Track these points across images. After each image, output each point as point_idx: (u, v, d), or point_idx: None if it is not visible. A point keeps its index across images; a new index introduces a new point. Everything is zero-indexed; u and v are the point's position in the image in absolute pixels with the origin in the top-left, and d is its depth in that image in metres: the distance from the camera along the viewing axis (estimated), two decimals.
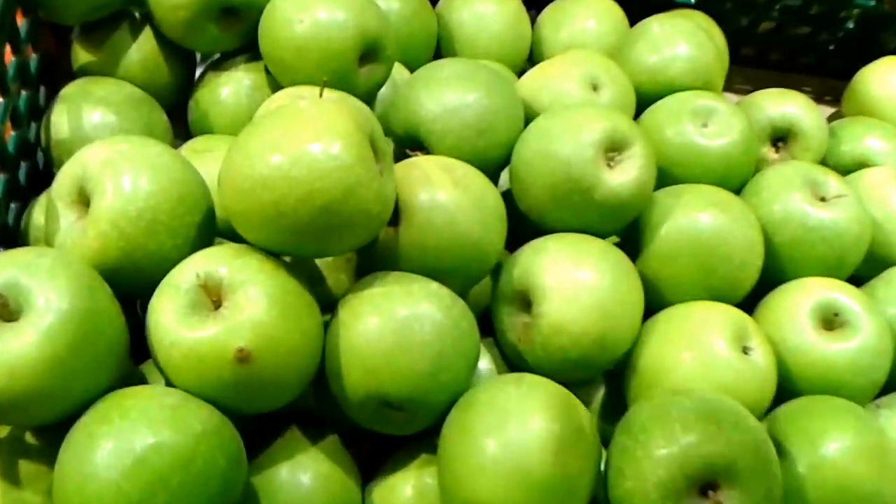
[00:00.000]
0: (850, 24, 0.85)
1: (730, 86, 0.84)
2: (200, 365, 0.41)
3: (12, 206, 0.53)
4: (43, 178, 0.57)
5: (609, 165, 0.52)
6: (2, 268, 0.41)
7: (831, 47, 0.87)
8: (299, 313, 0.44)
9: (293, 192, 0.42)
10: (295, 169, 0.42)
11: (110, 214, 0.44)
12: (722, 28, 0.76)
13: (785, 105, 0.69)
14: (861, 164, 0.69)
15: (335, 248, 0.46)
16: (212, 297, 0.43)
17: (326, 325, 0.47)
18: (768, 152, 0.69)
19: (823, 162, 0.70)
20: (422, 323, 0.45)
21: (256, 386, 0.43)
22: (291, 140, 0.42)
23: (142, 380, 0.48)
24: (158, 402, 0.40)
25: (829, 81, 0.89)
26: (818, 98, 0.90)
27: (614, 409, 0.54)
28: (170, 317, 0.42)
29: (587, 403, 0.53)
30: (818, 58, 0.89)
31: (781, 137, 0.69)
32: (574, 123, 0.52)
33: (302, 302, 0.44)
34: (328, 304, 0.49)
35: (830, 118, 0.83)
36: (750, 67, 0.88)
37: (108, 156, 0.45)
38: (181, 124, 0.63)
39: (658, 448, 0.40)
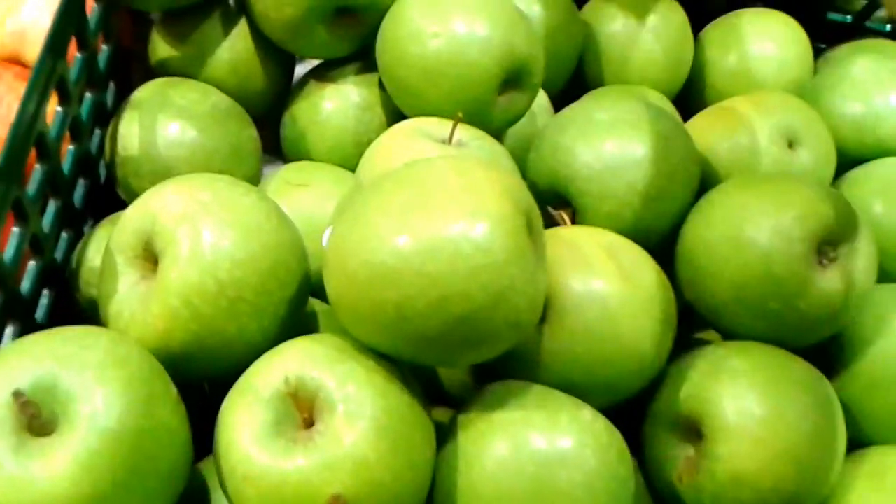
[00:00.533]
0: None
1: None
2: None
3: (63, 235, 0.44)
4: (103, 198, 0.48)
5: (821, 263, 0.40)
6: (36, 359, 0.31)
7: None
8: (411, 445, 0.33)
9: (425, 293, 0.31)
10: (430, 263, 0.31)
11: (183, 288, 0.34)
12: None
13: None
14: None
15: (466, 360, 0.35)
16: (303, 412, 0.33)
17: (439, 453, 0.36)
18: None
19: None
20: (569, 469, 0.34)
21: None
22: (428, 219, 0.31)
23: (201, 485, 0.38)
24: None
25: None
26: None
27: None
28: (246, 437, 0.32)
29: None
30: None
31: None
32: (777, 204, 0.40)
33: (416, 429, 0.34)
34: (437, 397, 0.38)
35: None
36: None
37: (187, 208, 0.35)
38: (271, 139, 0.52)
39: None
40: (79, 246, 0.44)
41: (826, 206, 0.40)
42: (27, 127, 0.37)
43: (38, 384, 0.30)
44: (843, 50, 0.57)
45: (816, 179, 0.47)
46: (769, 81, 0.57)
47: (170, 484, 0.32)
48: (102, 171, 0.49)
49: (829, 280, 0.39)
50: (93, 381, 0.30)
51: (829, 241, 0.40)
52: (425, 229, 0.31)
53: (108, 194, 0.48)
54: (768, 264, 0.39)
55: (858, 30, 0.65)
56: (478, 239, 0.31)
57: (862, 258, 0.40)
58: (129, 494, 0.30)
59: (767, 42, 0.59)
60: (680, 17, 0.59)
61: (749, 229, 0.40)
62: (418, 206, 0.32)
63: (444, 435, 0.36)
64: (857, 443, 0.42)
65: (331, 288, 0.34)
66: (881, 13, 0.65)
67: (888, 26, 0.66)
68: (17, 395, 0.29)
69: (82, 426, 0.30)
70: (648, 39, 0.58)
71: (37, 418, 0.30)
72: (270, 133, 0.53)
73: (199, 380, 0.37)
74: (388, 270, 0.31)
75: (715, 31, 0.62)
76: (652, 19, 0.58)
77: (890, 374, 0.42)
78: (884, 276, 0.44)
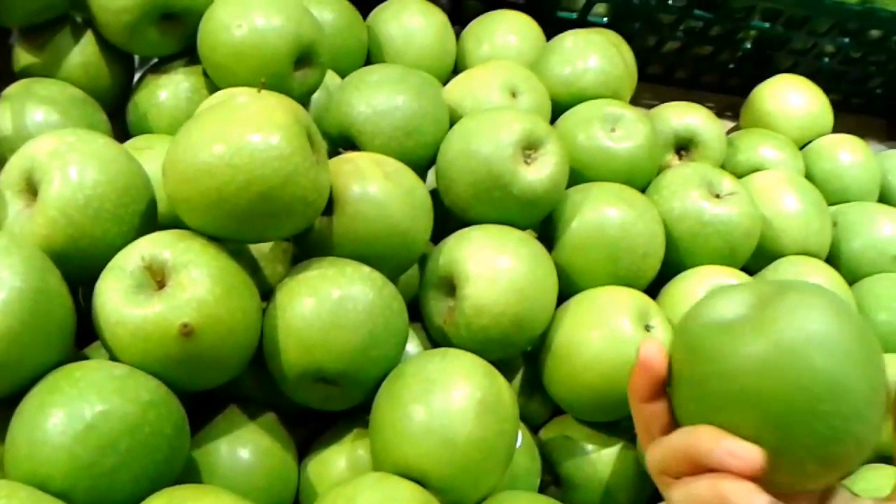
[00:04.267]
0: (748, 45, 0.93)
1: (638, 101, 0.91)
2: (146, 341, 0.44)
3: None
4: None
5: (526, 162, 0.57)
6: None
7: (731, 66, 0.95)
8: (240, 293, 0.47)
9: (235, 179, 0.45)
10: (237, 157, 0.45)
11: (59, 202, 0.47)
12: (631, 47, 0.83)
13: (687, 116, 0.75)
14: (756, 171, 0.76)
15: (273, 233, 0.50)
16: (156, 278, 0.46)
17: (265, 310, 0.50)
18: (672, 160, 0.75)
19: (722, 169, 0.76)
20: (355, 303, 0.49)
21: (199, 361, 0.46)
22: (233, 131, 0.46)
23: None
24: (107, 373, 0.43)
25: (730, 98, 0.97)
26: (719, 113, 0.97)
27: (532, 386, 0.59)
28: (116, 297, 0.45)
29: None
30: (719, 76, 0.97)
31: (684, 146, 0.75)
32: (494, 124, 0.57)
33: (242, 283, 0.48)
34: (266, 293, 0.52)
35: (730, 132, 0.90)
36: (657, 84, 0.95)
37: (56, 147, 0.48)
38: (121, 126, 0.65)
39: None
40: None
41: (525, 122, 0.57)
42: None
43: None
44: (565, 33, 0.76)
45: (536, 115, 0.64)
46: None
47: (61, 330, 0.45)
48: None
49: (531, 172, 0.57)
50: (1, 257, 0.43)
51: (530, 147, 0.57)
52: (233, 137, 0.46)
53: None
54: (489, 165, 0.56)
55: (583, 23, 0.85)
56: (269, 139, 0.46)
57: (554, 157, 0.57)
58: (33, 332, 0.42)
59: (510, 35, 0.78)
60: (442, 18, 0.77)
61: (474, 143, 0.57)
62: (227, 123, 0.47)
63: (271, 299, 0.50)
64: (572, 291, 0.59)
65: (168, 187, 0.47)
66: (598, 9, 0.86)
67: (605, 19, 0.86)
68: None
69: None
70: (418, 36, 0.75)
71: None
72: (118, 123, 0.65)
73: (78, 277, 0.49)
74: (208, 167, 0.45)
75: (472, 28, 0.80)
76: (419, 20, 0.76)
77: (585, 241, 0.59)
78: None
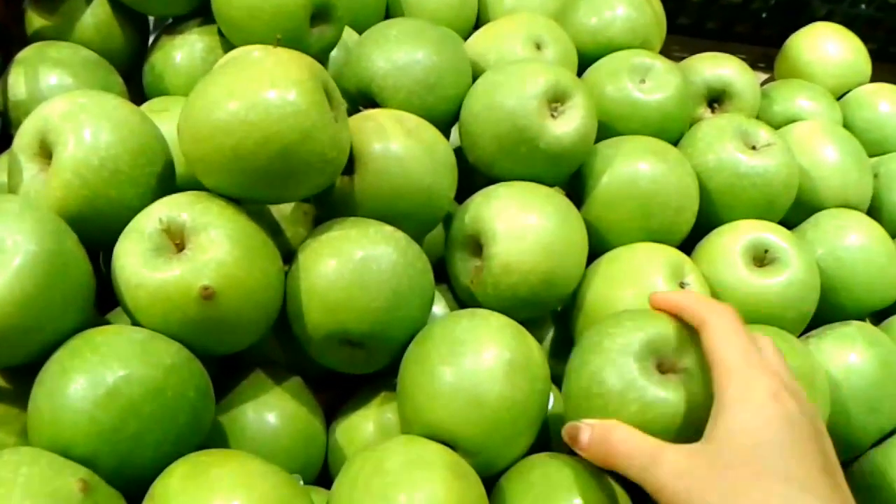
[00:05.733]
0: None
1: (668, 53, 0.87)
2: (166, 304, 0.43)
3: None
4: (2, 140, 0.58)
5: (552, 116, 0.55)
6: None
7: (764, 15, 0.92)
8: (260, 254, 0.46)
9: (251, 136, 0.44)
10: (252, 114, 0.44)
11: (73, 164, 0.46)
12: None
13: (719, 68, 0.72)
14: (793, 122, 0.74)
15: (292, 192, 0.48)
16: (175, 240, 0.45)
17: (287, 272, 0.49)
18: (704, 112, 0.72)
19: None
20: (378, 262, 0.47)
21: (221, 324, 0.44)
22: (248, 87, 0.44)
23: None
24: (128, 337, 0.42)
25: (763, 49, 0.94)
26: (752, 64, 0.94)
27: (563, 346, 0.57)
28: (135, 260, 0.44)
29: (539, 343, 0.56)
30: (752, 26, 0.93)
31: (717, 98, 0.72)
32: (518, 77, 0.55)
33: (262, 244, 0.46)
34: (287, 255, 0.51)
35: (764, 83, 0.87)
36: (687, 36, 0.92)
37: (69, 108, 0.47)
38: (136, 88, 0.64)
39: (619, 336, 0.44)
40: None
41: (550, 74, 0.55)
42: None
43: None
44: None
45: (561, 67, 0.62)
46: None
47: (79, 294, 0.44)
48: None
49: (558, 126, 0.55)
50: (14, 222, 0.42)
51: (556, 99, 0.55)
52: (248, 93, 0.44)
53: (5, 142, 0.59)
54: (514, 119, 0.54)
55: None
56: (285, 95, 0.44)
57: (582, 110, 0.55)
58: (51, 298, 0.41)
59: None
60: None
61: (498, 97, 0.55)
62: (241, 79, 0.45)
63: (293, 260, 0.49)
64: (602, 249, 0.57)
65: (183, 146, 0.46)
66: None
67: None
68: None
69: (11, 251, 0.41)
70: None
71: None
72: (134, 85, 0.64)
73: (97, 241, 0.48)
74: (223, 124, 0.44)
75: None
76: None
77: (615, 196, 0.57)
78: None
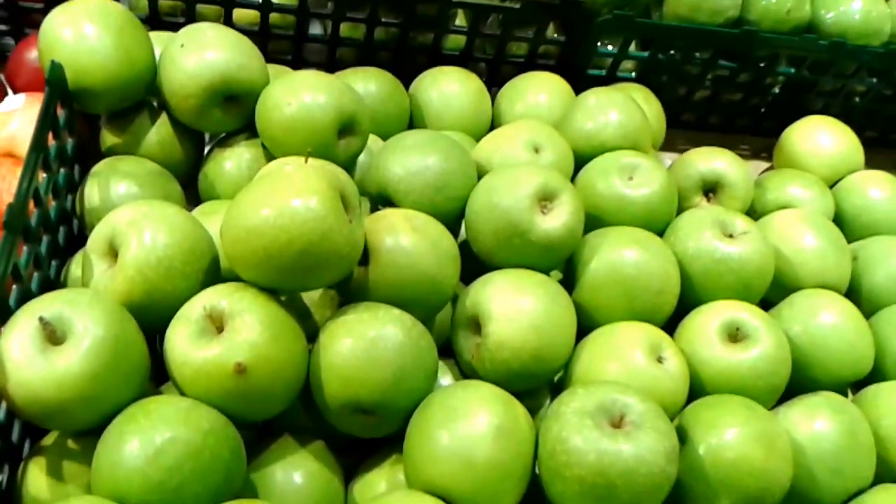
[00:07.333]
0: (777, 89, 0.97)
1: (673, 147, 0.96)
2: (207, 378, 0.52)
3: (53, 263, 0.65)
4: (78, 241, 0.69)
5: (543, 212, 0.63)
6: (50, 303, 0.52)
7: (763, 110, 0.99)
8: (287, 336, 0.55)
9: (279, 238, 0.53)
10: (280, 219, 0.53)
11: (135, 263, 0.56)
12: (662, 98, 0.89)
13: (713, 161, 0.80)
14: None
15: (314, 282, 0.57)
16: (216, 324, 0.54)
17: (311, 350, 0.57)
18: (700, 201, 0.79)
19: (751, 209, 0.80)
20: (386, 341, 0.55)
21: (252, 395, 0.53)
22: (276, 197, 0.54)
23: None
24: (174, 406, 0.51)
25: (765, 140, 1.00)
26: (755, 154, 1.01)
27: None
28: (182, 341, 0.53)
29: (535, 411, 0.63)
30: (752, 120, 1.01)
31: (711, 188, 0.79)
32: (513, 179, 0.63)
33: (289, 328, 0.55)
34: (314, 335, 0.59)
35: (765, 171, 0.94)
36: (692, 130, 1.00)
37: (134, 216, 0.57)
38: (193, 193, 0.74)
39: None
40: (64, 267, 0.65)
41: (541, 176, 0.63)
42: (26, 189, 0.58)
43: (53, 315, 0.51)
44: (589, 91, 0.82)
45: (558, 171, 0.70)
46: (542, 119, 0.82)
47: (137, 371, 0.53)
48: (76, 226, 0.70)
49: (548, 221, 0.62)
50: (85, 310, 0.51)
51: (546, 198, 0.63)
52: (276, 202, 0.53)
53: (81, 242, 0.69)
54: (508, 215, 0.62)
55: (612, 79, 0.91)
56: (307, 203, 0.53)
57: (569, 206, 0.63)
58: (114, 374, 0.51)
59: (541, 94, 0.84)
60: (477, 83, 0.85)
61: (495, 197, 0.63)
62: (273, 190, 0.54)
63: (316, 339, 0.58)
64: (592, 327, 0.64)
65: (224, 246, 0.55)
66: (626, 65, 0.92)
67: (633, 74, 0.92)
68: (41, 319, 0.50)
69: (81, 335, 0.50)
70: (455, 101, 0.83)
71: (54, 333, 0.50)
72: (191, 190, 0.75)
73: (154, 326, 0.57)
74: (257, 228, 0.53)
75: (506, 90, 0.87)
76: (456, 86, 0.83)
77: (602, 281, 0.64)
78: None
